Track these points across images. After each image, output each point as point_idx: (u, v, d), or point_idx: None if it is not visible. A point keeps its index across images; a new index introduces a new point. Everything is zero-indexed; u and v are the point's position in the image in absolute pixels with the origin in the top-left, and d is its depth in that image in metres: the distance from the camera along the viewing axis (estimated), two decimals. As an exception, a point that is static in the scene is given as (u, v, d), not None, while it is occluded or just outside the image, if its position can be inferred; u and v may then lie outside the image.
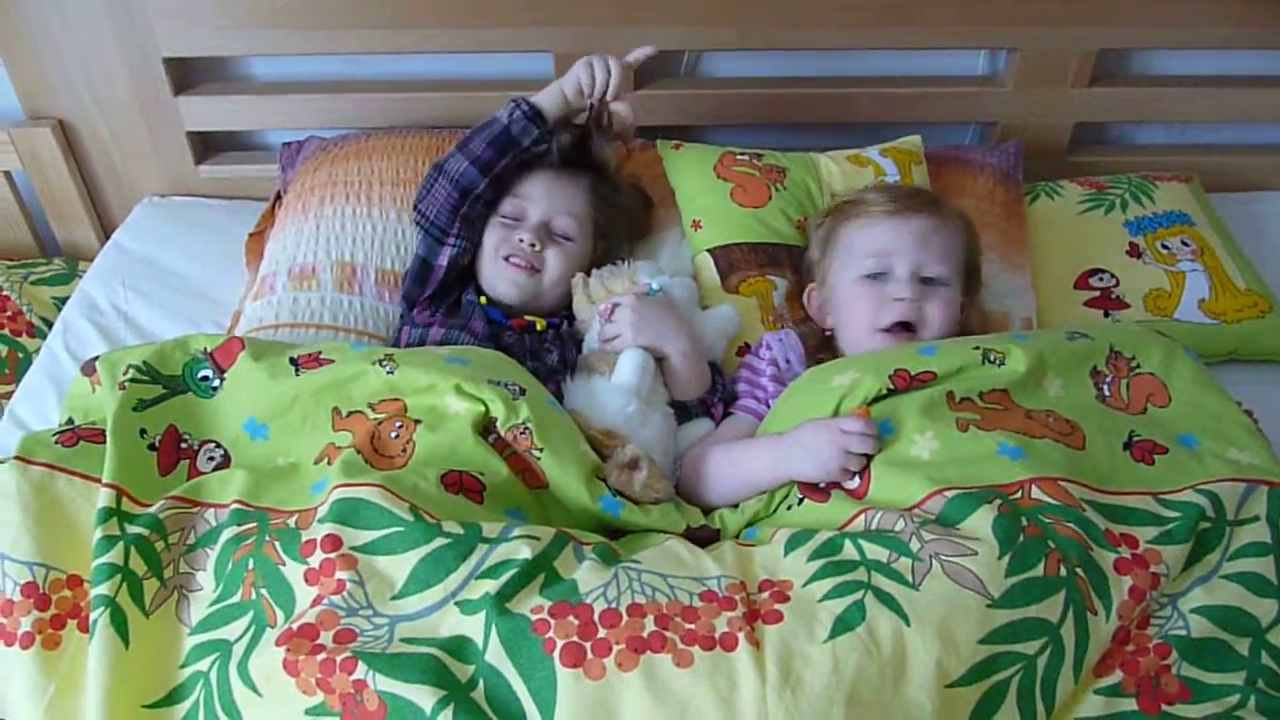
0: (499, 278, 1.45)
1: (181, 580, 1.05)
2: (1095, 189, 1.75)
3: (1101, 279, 1.63)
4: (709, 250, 1.54)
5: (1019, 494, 1.03)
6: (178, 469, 1.14)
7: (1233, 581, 1.01)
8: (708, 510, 1.22)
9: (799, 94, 1.84)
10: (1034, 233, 1.68)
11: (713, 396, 1.35)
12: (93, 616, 1.00)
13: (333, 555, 0.96)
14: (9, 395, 1.57)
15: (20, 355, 1.66)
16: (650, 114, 1.81)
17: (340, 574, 0.95)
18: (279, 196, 1.72)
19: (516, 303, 1.45)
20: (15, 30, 1.68)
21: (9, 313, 1.69)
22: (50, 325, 1.67)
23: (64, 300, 1.72)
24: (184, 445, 1.16)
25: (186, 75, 1.78)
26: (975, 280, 1.43)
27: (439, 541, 0.97)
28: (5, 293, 1.71)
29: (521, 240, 1.43)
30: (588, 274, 1.43)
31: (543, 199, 1.46)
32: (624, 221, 1.57)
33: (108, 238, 1.83)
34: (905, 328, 1.32)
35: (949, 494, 1.03)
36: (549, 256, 1.44)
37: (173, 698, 0.98)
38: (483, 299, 1.46)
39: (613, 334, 1.34)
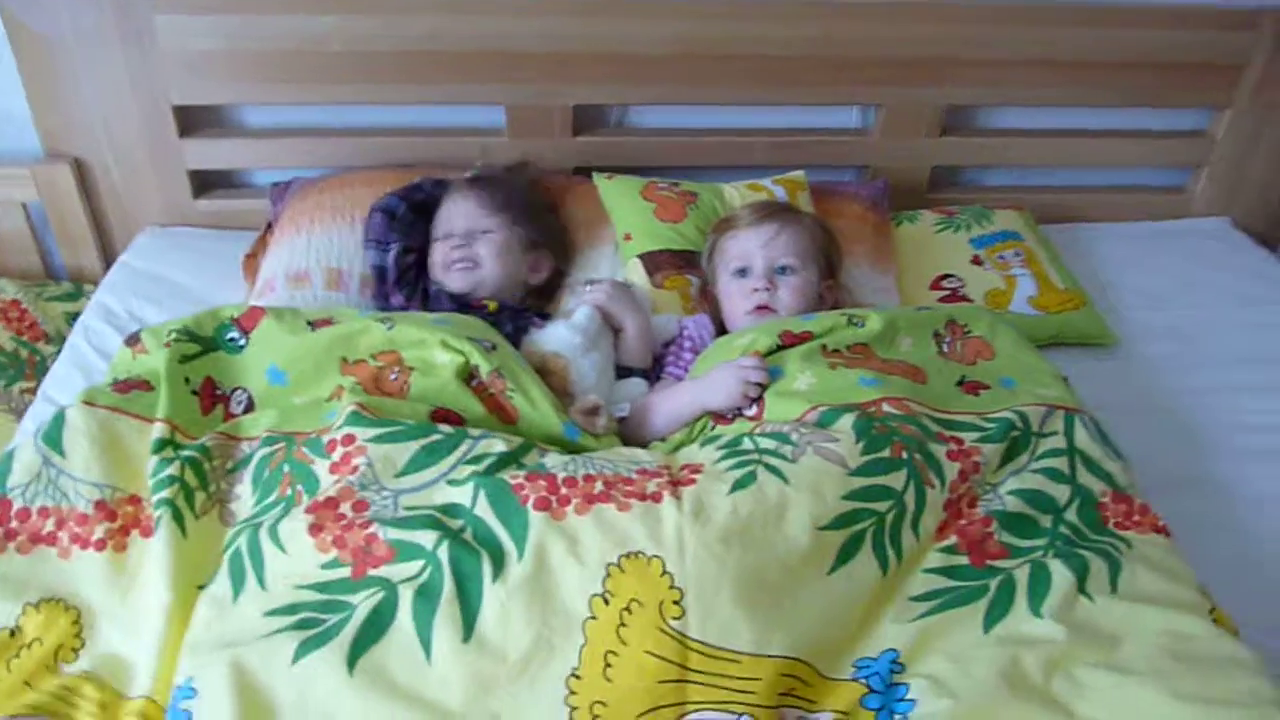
0: (449, 280, 1.68)
1: (223, 494, 1.24)
2: (946, 215, 2.03)
3: (951, 281, 1.89)
4: (639, 256, 1.77)
5: (874, 408, 1.29)
6: (215, 411, 1.36)
7: (1038, 474, 1.26)
8: (645, 446, 1.45)
9: (707, 142, 2.05)
10: (898, 247, 1.93)
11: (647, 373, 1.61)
12: (155, 514, 1.16)
13: (350, 449, 1.19)
14: (31, 390, 1.74)
15: (38, 359, 1.82)
16: (585, 158, 2.02)
17: (355, 461, 1.18)
18: (269, 226, 1.93)
19: (468, 292, 1.67)
20: (44, 82, 1.84)
21: (27, 323, 1.86)
22: (63, 337, 1.84)
23: (74, 315, 1.88)
24: (219, 392, 1.38)
25: (189, 121, 1.94)
26: (832, 266, 1.69)
27: (435, 436, 1.20)
28: (24, 306, 1.88)
29: (453, 249, 1.67)
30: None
31: (456, 215, 1.69)
32: (524, 198, 1.77)
33: (108, 264, 1.96)
34: (765, 309, 1.60)
35: (821, 408, 1.29)
36: (480, 250, 1.66)
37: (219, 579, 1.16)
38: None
39: (591, 299, 1.60)
